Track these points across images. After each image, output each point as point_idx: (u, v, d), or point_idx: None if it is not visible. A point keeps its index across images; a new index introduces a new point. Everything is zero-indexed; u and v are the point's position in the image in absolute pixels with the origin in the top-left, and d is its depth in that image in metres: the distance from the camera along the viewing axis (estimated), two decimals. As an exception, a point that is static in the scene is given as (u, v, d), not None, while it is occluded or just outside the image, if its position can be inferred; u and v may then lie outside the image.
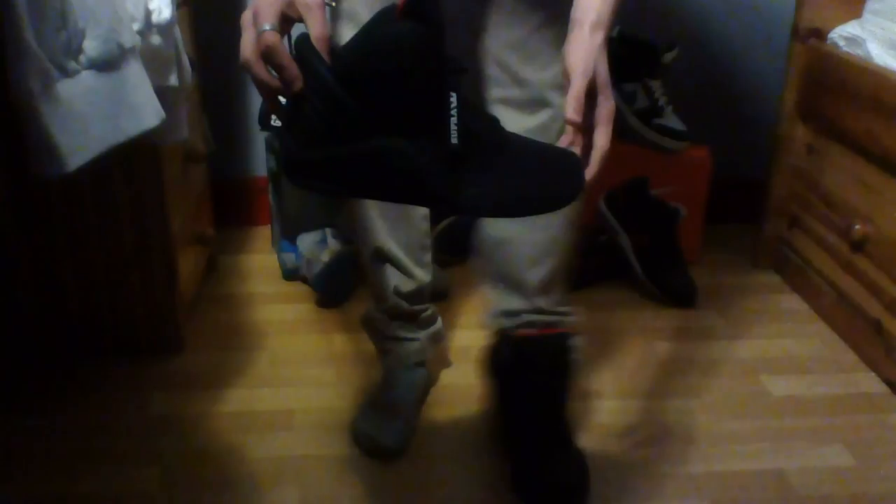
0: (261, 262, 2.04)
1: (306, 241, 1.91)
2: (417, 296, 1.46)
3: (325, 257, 1.84)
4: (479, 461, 1.41)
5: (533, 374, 1.35)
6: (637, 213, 1.92)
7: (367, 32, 0.86)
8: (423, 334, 1.51)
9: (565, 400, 1.37)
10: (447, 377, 1.62)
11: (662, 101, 2.00)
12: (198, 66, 1.79)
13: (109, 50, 1.02)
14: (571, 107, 0.96)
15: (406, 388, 1.49)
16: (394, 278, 1.45)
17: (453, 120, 0.86)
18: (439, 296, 1.90)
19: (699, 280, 1.92)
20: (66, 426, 1.46)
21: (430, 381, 1.55)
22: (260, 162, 2.16)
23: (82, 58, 0.98)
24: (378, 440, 1.41)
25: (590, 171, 0.96)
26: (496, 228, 1.33)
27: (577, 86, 0.96)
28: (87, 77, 0.99)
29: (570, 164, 0.94)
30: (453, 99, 0.86)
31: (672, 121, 2.01)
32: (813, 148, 1.87)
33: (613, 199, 1.94)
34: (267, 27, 0.85)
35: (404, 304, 1.46)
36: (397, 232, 1.42)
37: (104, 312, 1.61)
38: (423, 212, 1.43)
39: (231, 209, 2.17)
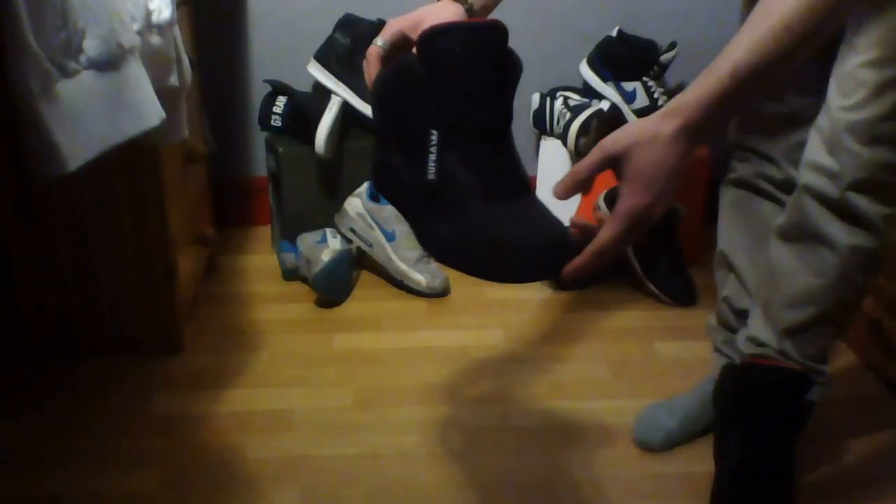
0: (261, 262, 2.04)
1: (306, 241, 1.91)
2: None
3: (325, 257, 1.84)
4: (480, 461, 1.41)
5: (745, 401, 1.28)
6: (637, 213, 1.92)
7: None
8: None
9: (782, 441, 1.28)
10: (448, 377, 1.62)
11: (662, 100, 2.00)
12: (198, 66, 1.79)
13: (109, 50, 1.02)
14: (561, 181, 0.87)
15: (697, 401, 1.46)
16: (728, 288, 1.43)
17: (431, 157, 0.93)
18: (439, 295, 1.90)
19: (699, 280, 1.92)
20: (66, 426, 1.46)
21: None
22: (260, 162, 2.16)
23: (82, 58, 0.98)
24: (641, 437, 1.44)
25: (572, 264, 0.85)
26: (775, 255, 1.26)
27: (584, 161, 0.86)
28: (87, 77, 0.99)
29: (557, 246, 0.91)
30: (433, 137, 0.91)
31: (672, 121, 2.01)
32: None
33: (613, 199, 1.93)
34: (379, 42, 0.99)
35: (732, 319, 1.43)
36: (752, 246, 1.38)
37: (104, 312, 1.61)
38: None
39: (231, 209, 2.16)
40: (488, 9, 1.07)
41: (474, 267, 0.94)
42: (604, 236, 0.83)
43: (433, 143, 0.92)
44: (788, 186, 1.32)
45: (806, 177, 1.18)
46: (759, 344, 1.28)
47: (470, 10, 1.03)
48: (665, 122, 0.86)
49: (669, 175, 0.85)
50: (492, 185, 0.93)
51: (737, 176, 1.42)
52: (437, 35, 0.92)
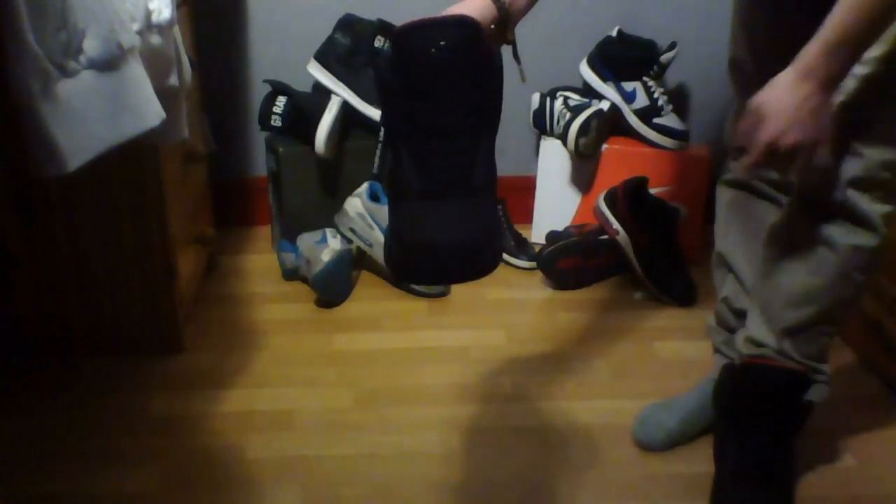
0: (261, 262, 2.04)
1: (306, 241, 1.91)
2: None
3: (325, 257, 1.84)
4: (480, 461, 1.41)
5: (744, 401, 1.29)
6: (637, 213, 1.92)
7: None
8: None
9: (781, 441, 1.29)
10: (448, 377, 1.62)
11: (662, 100, 2.00)
12: (198, 66, 1.79)
13: (109, 50, 1.02)
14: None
15: (697, 401, 1.45)
16: (727, 288, 1.43)
17: (378, 152, 0.93)
18: (439, 295, 1.90)
19: (699, 280, 1.92)
20: (66, 426, 1.46)
21: None
22: (260, 162, 2.16)
23: (82, 58, 0.98)
24: (641, 437, 1.44)
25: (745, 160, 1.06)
26: (774, 255, 1.25)
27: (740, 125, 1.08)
28: (87, 77, 0.99)
29: (463, 253, 0.92)
30: (381, 133, 0.93)
31: (672, 121, 2.01)
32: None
33: (613, 199, 1.94)
34: None
35: (731, 319, 1.43)
36: (750, 246, 1.38)
37: (104, 312, 1.61)
38: None
39: (231, 209, 2.16)
40: (521, 7, 1.05)
41: (388, 262, 0.96)
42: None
43: (380, 139, 0.95)
44: (784, 186, 1.32)
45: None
46: (758, 344, 1.28)
47: (502, 8, 1.01)
48: (785, 71, 1.03)
49: (790, 111, 1.02)
50: (433, 183, 0.92)
51: (733, 176, 1.42)
52: (399, 34, 0.91)
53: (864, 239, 1.17)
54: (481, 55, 0.93)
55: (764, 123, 1.03)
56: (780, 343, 1.26)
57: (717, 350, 1.48)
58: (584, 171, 2.06)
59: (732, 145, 1.43)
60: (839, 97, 1.07)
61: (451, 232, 0.92)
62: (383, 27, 1.92)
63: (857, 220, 1.15)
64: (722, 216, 1.45)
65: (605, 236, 1.96)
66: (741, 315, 1.39)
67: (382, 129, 0.91)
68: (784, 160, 1.04)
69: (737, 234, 1.42)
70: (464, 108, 0.93)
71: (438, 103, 0.92)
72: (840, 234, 1.17)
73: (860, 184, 1.13)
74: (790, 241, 1.23)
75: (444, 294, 1.91)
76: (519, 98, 2.07)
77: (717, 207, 1.46)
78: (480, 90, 0.94)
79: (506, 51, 1.05)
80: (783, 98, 1.01)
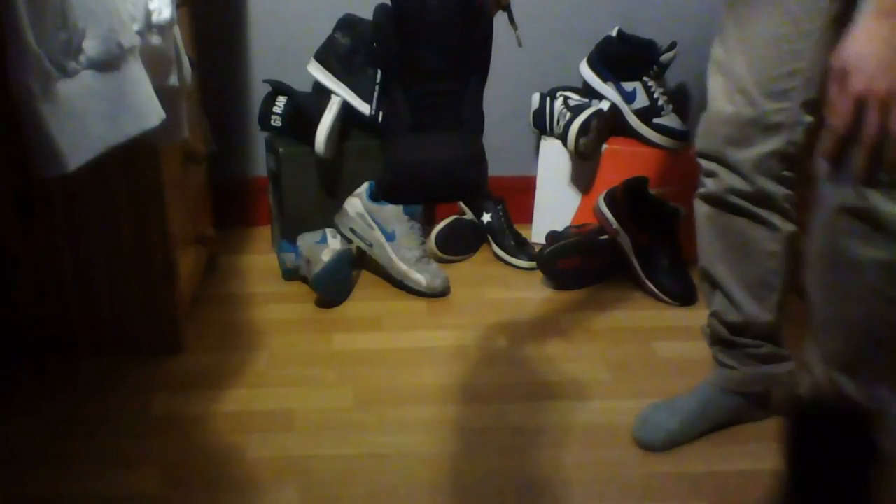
0: (261, 262, 2.04)
1: (306, 241, 1.91)
2: (744, 329, 1.40)
3: (325, 257, 1.84)
4: (480, 461, 1.41)
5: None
6: (637, 213, 1.92)
7: None
8: (747, 369, 1.43)
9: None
10: (448, 377, 1.62)
11: (662, 100, 2.00)
12: (198, 66, 1.79)
13: (109, 50, 1.02)
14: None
15: (697, 403, 1.45)
16: (717, 303, 1.42)
17: (374, 94, 0.99)
18: (439, 295, 1.90)
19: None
20: (66, 426, 1.46)
21: (742, 416, 1.48)
22: (260, 162, 2.16)
23: (82, 58, 0.98)
24: (641, 437, 1.43)
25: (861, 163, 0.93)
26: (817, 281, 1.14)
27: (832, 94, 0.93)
28: (87, 77, 0.99)
29: (451, 170, 1.01)
30: (378, 76, 0.99)
31: (672, 121, 2.01)
32: (812, 147, 1.86)
33: (613, 199, 1.94)
34: None
35: (724, 332, 1.42)
36: (732, 260, 1.38)
37: (104, 312, 1.61)
38: (769, 248, 1.36)
39: (231, 209, 2.16)
40: None
41: (379, 190, 1.04)
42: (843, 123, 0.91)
43: (377, 81, 1.02)
44: (760, 199, 1.30)
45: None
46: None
47: None
48: (862, 17, 0.91)
49: (874, 55, 0.89)
50: (423, 119, 1.01)
51: (706, 191, 1.38)
52: None
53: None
54: (473, 4, 1.01)
55: (849, 76, 0.90)
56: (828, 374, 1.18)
57: (714, 358, 1.47)
58: (584, 171, 2.06)
59: (700, 152, 1.40)
60: None
61: (435, 152, 1.01)
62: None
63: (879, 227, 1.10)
64: (702, 231, 1.43)
65: (605, 236, 1.96)
66: (733, 328, 1.39)
67: (380, 71, 0.99)
68: (877, 114, 0.89)
69: (718, 249, 1.40)
70: (454, 52, 1.02)
71: (431, 46, 1.00)
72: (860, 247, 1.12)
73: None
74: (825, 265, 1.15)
75: (444, 294, 1.91)
76: (519, 98, 2.07)
77: (696, 222, 1.44)
78: (470, 36, 1.02)
79: (500, 17, 1.10)
80: (865, 44, 0.89)
